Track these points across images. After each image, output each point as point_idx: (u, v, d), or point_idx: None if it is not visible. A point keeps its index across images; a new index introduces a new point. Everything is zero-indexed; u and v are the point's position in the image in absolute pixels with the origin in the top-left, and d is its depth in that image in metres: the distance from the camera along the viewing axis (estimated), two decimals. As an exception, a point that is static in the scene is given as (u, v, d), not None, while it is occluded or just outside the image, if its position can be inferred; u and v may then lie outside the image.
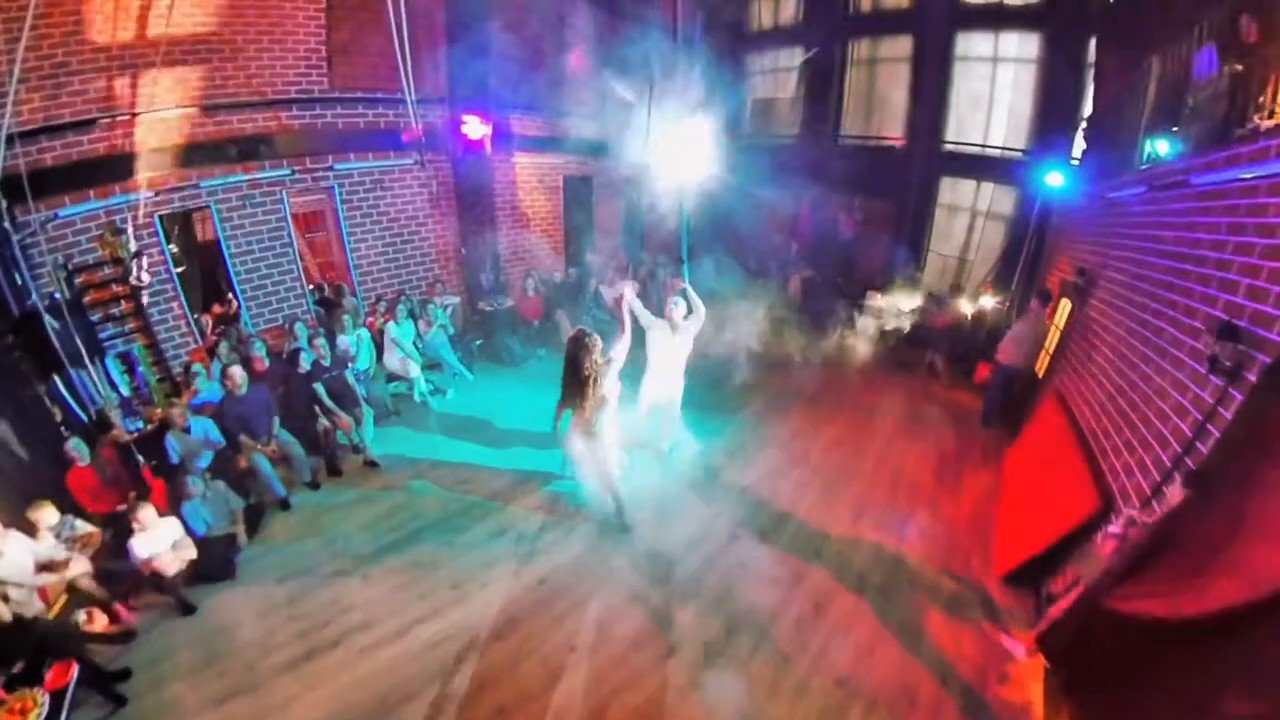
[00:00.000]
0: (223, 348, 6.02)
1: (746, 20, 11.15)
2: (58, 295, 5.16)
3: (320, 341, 5.99)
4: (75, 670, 3.46)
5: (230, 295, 7.00)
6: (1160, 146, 4.65)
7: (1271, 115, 3.07)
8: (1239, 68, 3.50)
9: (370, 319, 7.21)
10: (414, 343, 7.02)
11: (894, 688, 3.62)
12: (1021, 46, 8.35)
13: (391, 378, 7.06)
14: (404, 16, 6.13)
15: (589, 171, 9.59)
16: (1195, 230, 3.74)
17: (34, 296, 5.01)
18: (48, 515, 4.24)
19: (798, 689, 3.62)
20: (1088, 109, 7.44)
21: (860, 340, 8.79)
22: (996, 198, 9.07)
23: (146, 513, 4.32)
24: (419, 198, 7.73)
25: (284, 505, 5.43)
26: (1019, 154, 8.49)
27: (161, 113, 5.70)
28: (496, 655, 3.89)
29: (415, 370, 6.96)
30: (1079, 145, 7.40)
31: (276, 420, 5.56)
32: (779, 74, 11.01)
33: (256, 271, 6.74)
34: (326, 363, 5.97)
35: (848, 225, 10.20)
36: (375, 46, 6.68)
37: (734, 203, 9.54)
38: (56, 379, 5.06)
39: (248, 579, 4.68)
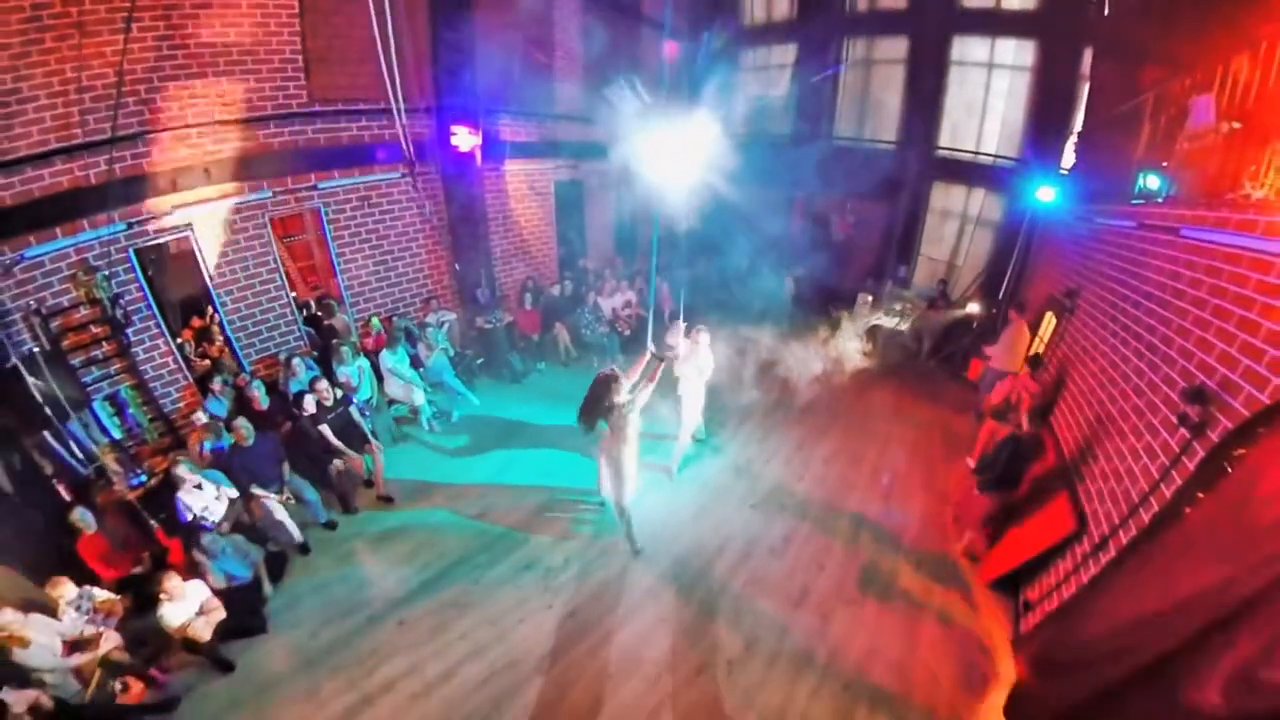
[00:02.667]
0: (216, 383, 5.72)
1: (740, 15, 10.97)
2: (34, 348, 4.75)
3: (323, 384, 5.72)
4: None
5: (210, 310, 6.61)
6: (1151, 181, 4.86)
7: (1263, 187, 3.21)
8: (1236, 126, 3.63)
9: (364, 340, 6.97)
10: (414, 367, 6.86)
11: (893, 689, 4.07)
12: (1018, 53, 8.41)
13: (394, 403, 6.87)
14: (389, 23, 5.84)
15: (579, 175, 9.40)
16: (1179, 281, 3.97)
17: (9, 352, 4.60)
18: (66, 591, 4.01)
19: (811, 695, 4.04)
20: (1080, 122, 7.59)
21: (851, 340, 9.04)
22: (987, 205, 9.25)
23: (173, 581, 4.16)
24: (408, 213, 7.41)
25: (304, 550, 5.31)
26: (1010, 162, 8.65)
27: (126, 139, 5.22)
28: (542, 688, 4.09)
29: (420, 397, 6.79)
30: (1069, 158, 7.59)
31: (286, 466, 5.37)
32: (772, 71, 10.95)
33: (244, 300, 6.34)
34: (329, 404, 5.78)
35: (840, 226, 10.40)
36: (355, 54, 6.29)
37: (726, 203, 9.60)
38: (45, 433, 4.71)
39: (280, 630, 4.60)
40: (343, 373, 6.23)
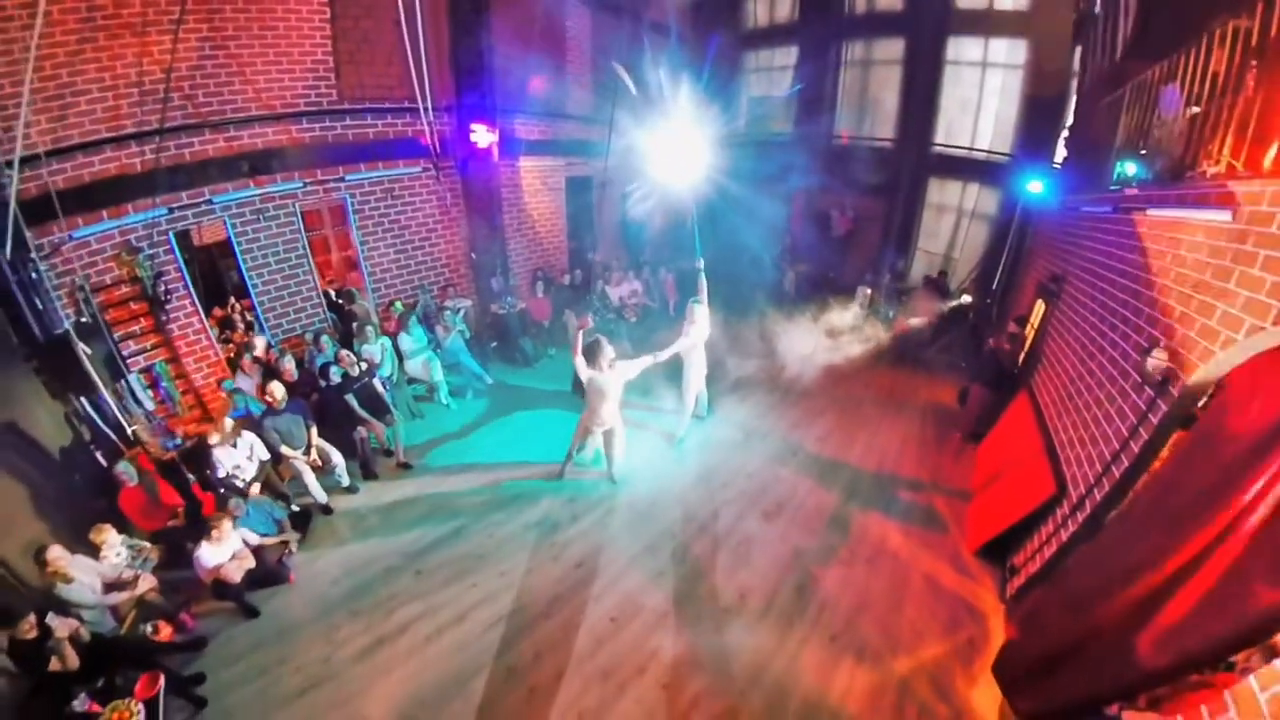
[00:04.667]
0: (246, 358, 6.12)
1: (743, 19, 11.42)
2: (77, 318, 5.19)
3: (347, 354, 6.17)
4: (162, 681, 3.70)
5: (231, 300, 7.04)
6: (1129, 169, 5.04)
7: (1218, 164, 3.43)
8: (1196, 110, 3.82)
9: (386, 323, 7.36)
10: (432, 347, 7.25)
11: (879, 644, 4.25)
12: (1010, 52, 8.69)
13: (413, 381, 7.25)
14: (419, 29, 6.26)
15: (589, 171, 9.77)
16: (1146, 255, 4.18)
17: (62, 320, 5.05)
18: (109, 537, 4.34)
19: (800, 643, 4.25)
20: (1069, 118, 7.81)
21: (850, 331, 9.26)
22: (982, 199, 9.50)
23: (225, 525, 4.51)
24: (429, 204, 7.83)
25: (326, 510, 5.63)
26: (1004, 158, 8.89)
27: (170, 130, 5.69)
28: (548, 630, 4.35)
29: (438, 374, 7.17)
30: (1060, 153, 7.80)
31: (314, 430, 5.73)
32: (774, 72, 11.35)
33: (273, 283, 6.77)
34: (355, 374, 6.18)
35: (840, 222, 10.66)
36: (382, 56, 6.76)
37: (729, 199, 9.91)
38: (84, 400, 5.12)
39: (303, 582, 4.88)
40: (366, 350, 6.58)
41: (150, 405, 5.61)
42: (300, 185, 6.67)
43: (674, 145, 8.48)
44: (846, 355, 8.78)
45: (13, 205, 4.69)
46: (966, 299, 9.04)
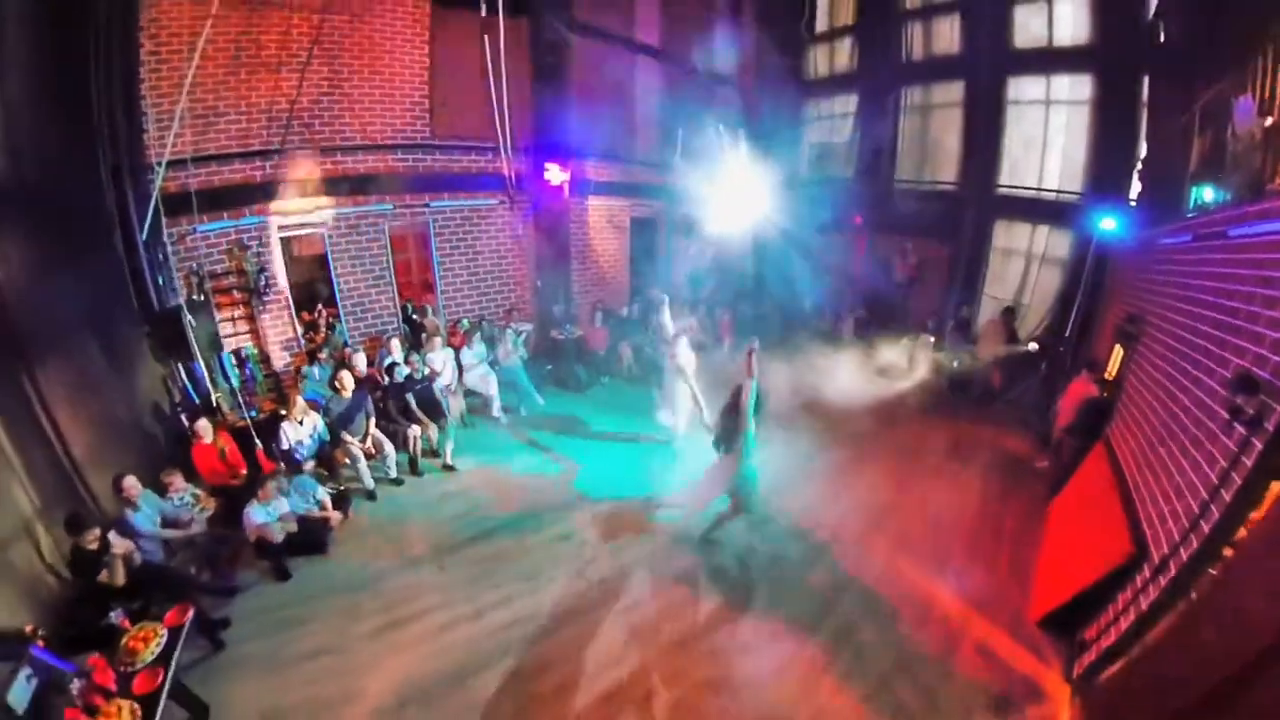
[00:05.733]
0: (324, 352, 6.73)
1: (804, 69, 11.88)
2: (189, 297, 5.98)
3: (415, 357, 6.64)
4: (191, 613, 3.88)
5: (319, 307, 7.80)
6: (1207, 194, 4.81)
7: None
8: (1271, 121, 3.64)
9: (453, 337, 7.87)
10: (491, 364, 7.62)
11: (916, 707, 3.70)
12: (1074, 88, 8.45)
13: (470, 394, 7.59)
14: (503, 79, 7.10)
15: (654, 213, 10.30)
16: (1229, 281, 3.80)
17: (178, 297, 5.84)
18: (177, 480, 4.76)
19: (831, 694, 3.80)
20: (1143, 150, 7.45)
21: (909, 378, 8.85)
22: (1052, 241, 9.01)
23: (273, 486, 4.86)
24: (502, 234, 8.50)
25: (370, 496, 5.89)
26: (1074, 197, 8.46)
27: (288, 152, 6.68)
28: (559, 641, 4.20)
29: (493, 389, 7.49)
30: (1135, 188, 7.40)
31: (372, 421, 6.10)
32: (835, 120, 11.62)
33: (357, 290, 7.51)
34: (418, 376, 6.60)
35: (901, 268, 10.42)
36: (470, 101, 7.64)
37: (790, 244, 10.01)
38: (181, 367, 5.78)
39: (338, 557, 5.08)
40: (431, 358, 7.04)
41: (235, 381, 6.22)
42: (390, 208, 7.49)
43: (735, 191, 8.87)
44: (905, 403, 8.30)
45: (155, 198, 5.60)
46: (1034, 347, 8.36)
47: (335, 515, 5.40)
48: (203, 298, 6.07)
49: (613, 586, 4.74)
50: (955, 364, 8.71)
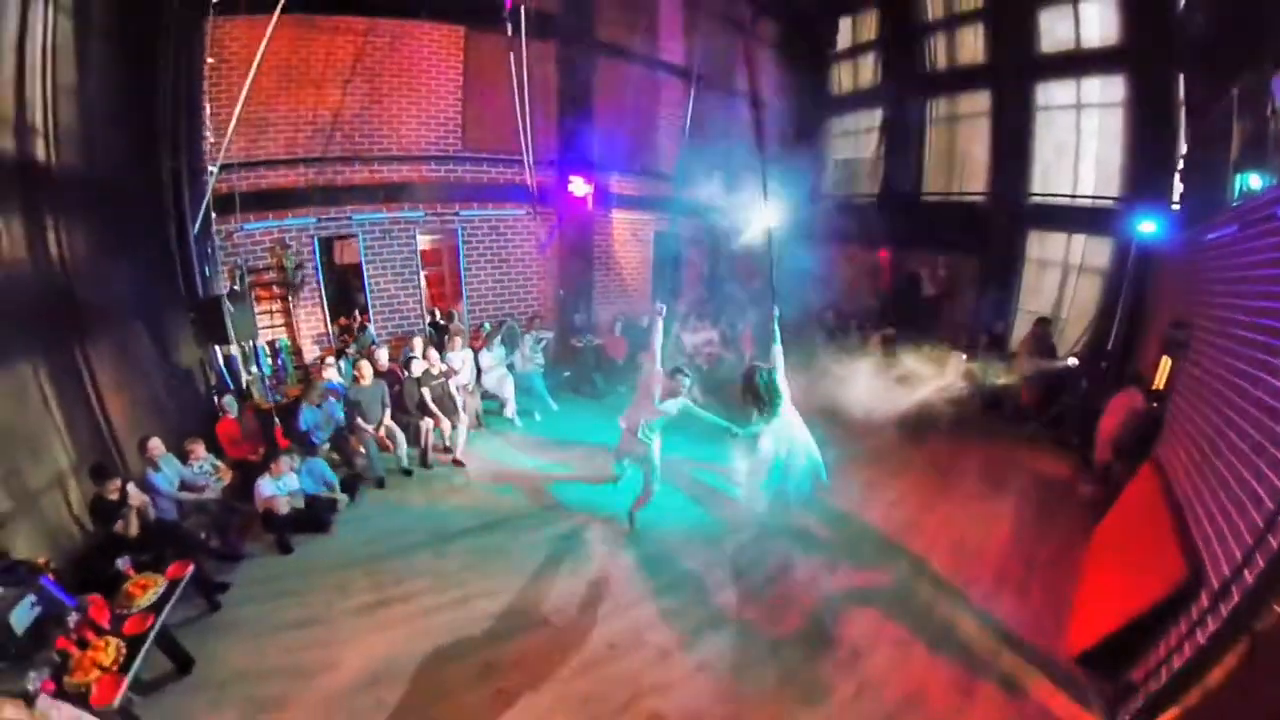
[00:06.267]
0: (352, 348, 7.13)
1: (828, 85, 11.91)
2: (231, 288, 6.50)
3: (433, 353, 6.91)
4: (191, 569, 4.11)
5: (356, 312, 8.26)
6: (1253, 181, 4.49)
7: None
8: None
9: (474, 341, 8.16)
10: (509, 367, 7.81)
11: None
12: (1105, 90, 8.17)
13: (487, 395, 7.80)
14: (526, 98, 7.52)
15: (677, 228, 10.43)
16: None
17: (221, 286, 6.37)
18: (199, 449, 5.11)
19: None
20: (1183, 147, 7.07)
21: (938, 396, 8.47)
22: (1090, 250, 8.57)
23: (285, 462, 5.16)
24: (527, 243, 8.84)
25: (379, 483, 6.12)
26: (1111, 202, 8.05)
27: (329, 160, 7.27)
28: (540, 638, 4.15)
29: (509, 391, 7.67)
30: (1177, 187, 7.00)
31: (388, 411, 6.37)
32: (860, 135, 11.55)
33: (387, 291, 7.96)
34: (434, 372, 6.85)
35: (930, 282, 10.15)
36: (499, 116, 8.06)
37: (815, 261, 9.90)
38: (218, 351, 6.25)
39: (339, 536, 5.29)
40: (450, 358, 7.31)
41: (267, 369, 6.66)
42: (422, 215, 7.95)
43: (760, 208, 8.88)
44: (935, 421, 7.78)
45: (208, 197, 6.19)
46: (1073, 362, 7.88)
47: (342, 498, 5.65)
48: (243, 290, 6.57)
49: (603, 590, 4.66)
50: (989, 381, 8.27)
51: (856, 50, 11.46)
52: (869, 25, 11.12)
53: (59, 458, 4.46)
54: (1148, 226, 6.82)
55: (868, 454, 7.05)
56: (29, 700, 2.66)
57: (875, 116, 11.10)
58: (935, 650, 4.02)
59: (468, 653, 3.97)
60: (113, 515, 4.23)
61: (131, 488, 4.33)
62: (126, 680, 3.22)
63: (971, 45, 9.60)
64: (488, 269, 8.68)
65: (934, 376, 8.34)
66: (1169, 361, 5.86)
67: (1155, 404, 5.68)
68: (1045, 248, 9.21)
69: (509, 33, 7.29)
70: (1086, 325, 8.45)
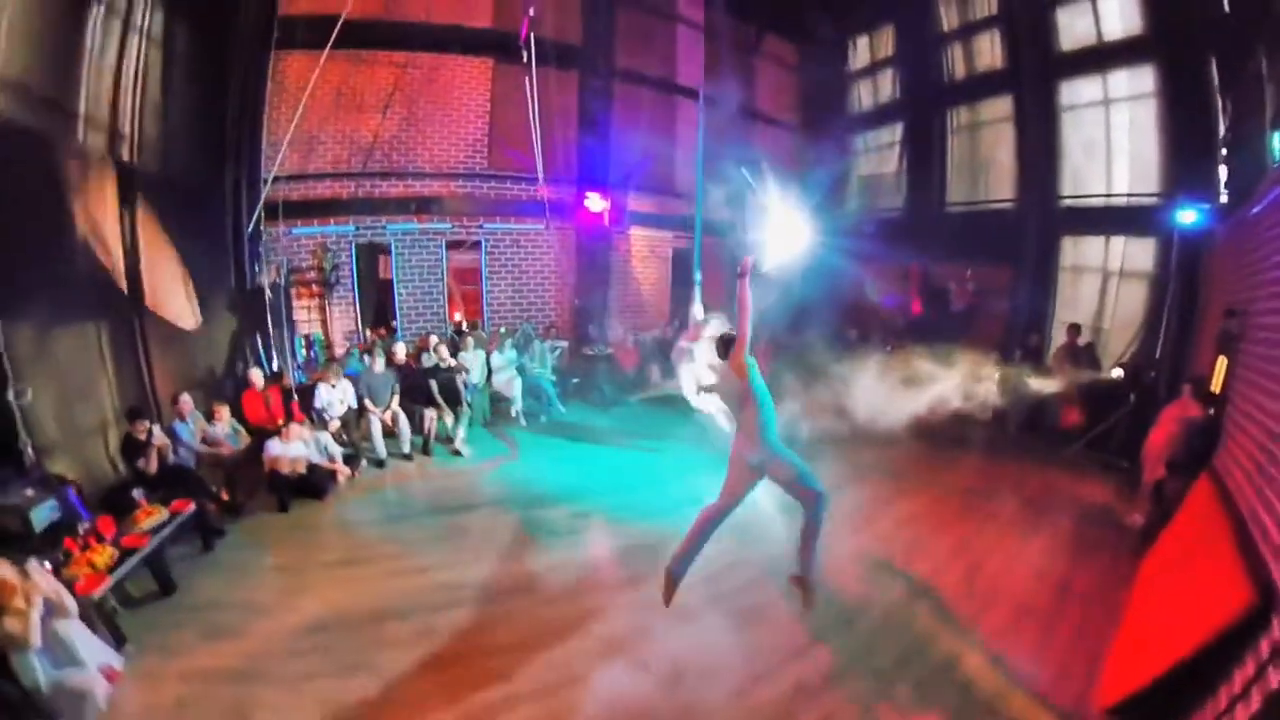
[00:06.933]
0: (378, 347, 7.82)
1: (848, 104, 11.94)
2: (273, 283, 7.37)
3: (443, 349, 7.51)
4: (191, 507, 4.65)
5: (392, 323, 9.03)
6: None
7: None
8: None
9: (490, 344, 8.72)
10: (519, 370, 8.29)
11: None
12: (1133, 82, 7.76)
13: (497, 398, 8.28)
14: (537, 119, 8.17)
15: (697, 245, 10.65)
16: None
17: (264, 283, 7.26)
18: (224, 412, 5.84)
19: None
20: (1222, 130, 6.55)
21: (967, 414, 7.73)
22: (1131, 252, 8.04)
23: (295, 429, 5.82)
24: (546, 256, 9.44)
25: (380, 464, 6.66)
26: (1151, 198, 7.51)
27: (369, 174, 8.20)
28: (485, 615, 4.18)
29: (516, 392, 8.12)
30: (1222, 173, 6.48)
31: (395, 398, 6.96)
32: (881, 150, 11.50)
33: (414, 295, 8.73)
34: (443, 366, 7.43)
35: (959, 296, 9.76)
36: (522, 138, 8.73)
37: (839, 278, 9.82)
38: (258, 337, 7.09)
39: (332, 504, 5.81)
40: (463, 357, 7.88)
41: (300, 358, 7.44)
42: (449, 227, 8.73)
43: (781, 225, 8.97)
44: (962, 442, 7.34)
45: (260, 205, 7.14)
46: (1118, 373, 7.32)
47: (343, 470, 6.19)
48: (285, 285, 7.45)
49: (563, 580, 4.62)
50: (1023, 398, 7.71)
51: (875, 67, 11.50)
52: (885, 41, 11.21)
53: (106, 405, 5.30)
54: (1188, 216, 6.35)
55: (878, 467, 6.70)
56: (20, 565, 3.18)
57: (896, 131, 11.08)
58: (928, 692, 3.43)
59: (409, 615, 4.12)
60: (138, 452, 4.93)
61: (156, 430, 5.05)
62: (111, 580, 3.75)
63: (989, 51, 9.45)
64: (508, 279, 9.31)
65: (962, 391, 7.39)
66: (1224, 361, 5.26)
67: (1212, 410, 5.09)
68: (1081, 253, 8.73)
69: (525, 61, 7.90)
70: (1133, 333, 7.85)
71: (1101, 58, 8.04)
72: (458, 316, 9.41)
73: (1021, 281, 8.91)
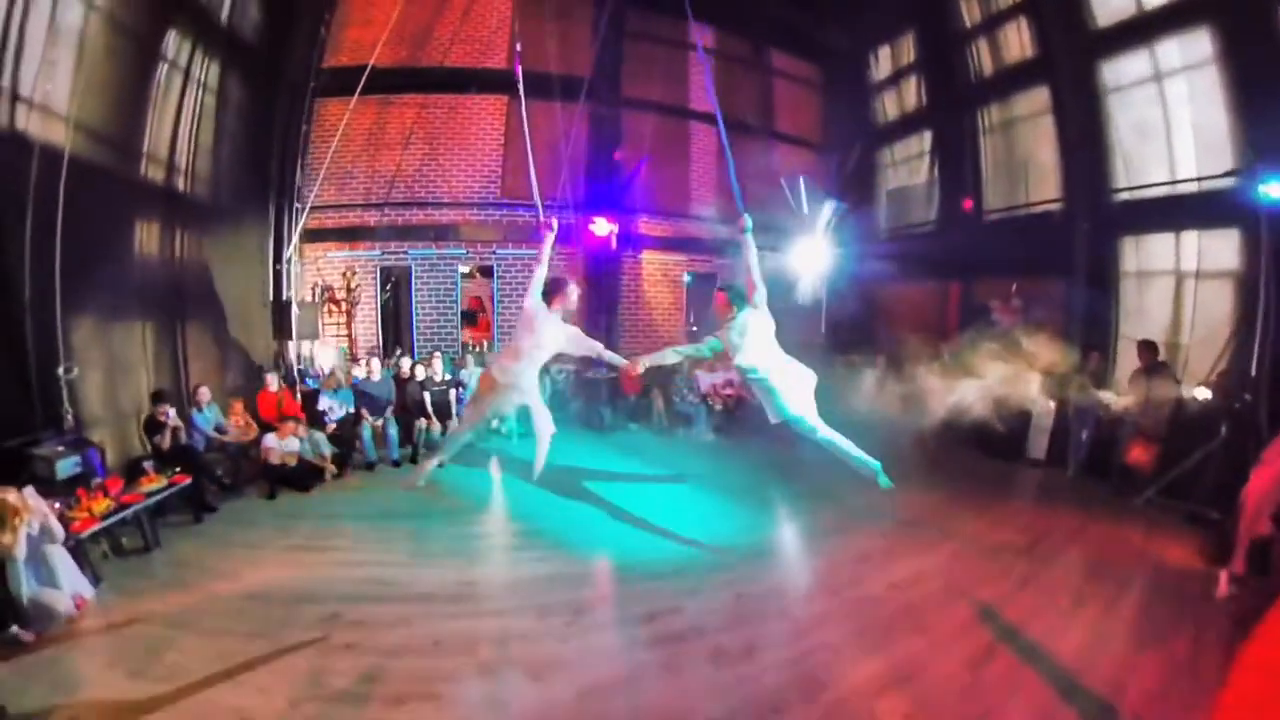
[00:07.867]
0: (390, 361, 8.59)
1: (873, 118, 11.34)
2: (302, 298, 8.32)
3: (436, 364, 8.09)
4: (188, 481, 5.43)
5: (409, 341, 9.76)
6: None
7: None
8: None
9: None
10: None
11: None
12: (1186, 50, 6.67)
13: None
14: (529, 145, 8.51)
15: (712, 269, 10.66)
16: None
17: (297, 296, 8.22)
18: (238, 407, 6.72)
19: None
20: None
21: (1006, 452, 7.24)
22: (1209, 248, 6.75)
23: (290, 426, 6.53)
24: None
25: (369, 467, 7.22)
26: (1227, 179, 6.23)
27: (393, 204, 9.12)
28: (396, 613, 4.17)
29: (509, 407, 8.55)
30: None
31: (390, 406, 7.60)
32: (912, 162, 10.83)
33: (430, 316, 9.48)
34: (436, 380, 7.99)
35: (1001, 313, 8.57)
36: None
37: (871, 300, 9.43)
38: (287, 344, 8.02)
39: (315, 497, 6.40)
40: (462, 374, 8.43)
41: (326, 367, 8.32)
42: (464, 253, 9.47)
43: (807, 247, 8.80)
44: (1009, 484, 6.66)
45: (299, 230, 8.16)
46: (1204, 394, 6.26)
47: (331, 468, 6.80)
48: (316, 301, 8.38)
49: (498, 589, 4.67)
50: (1083, 434, 6.78)
51: (898, 76, 10.88)
52: (907, 49, 10.64)
53: (142, 391, 6.30)
54: (1276, 190, 5.32)
55: (884, 511, 5.63)
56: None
57: (925, 140, 10.46)
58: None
59: (325, 601, 4.26)
60: (156, 430, 5.81)
61: (173, 412, 5.89)
62: (99, 524, 4.52)
63: (1017, 41, 8.64)
64: (519, 303, 9.80)
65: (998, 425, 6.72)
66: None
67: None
68: (1146, 254, 7.48)
69: (547, 101, 8.50)
70: (1220, 347, 6.56)
71: (1145, 28, 6.96)
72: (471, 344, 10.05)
73: (1074, 293, 7.71)
